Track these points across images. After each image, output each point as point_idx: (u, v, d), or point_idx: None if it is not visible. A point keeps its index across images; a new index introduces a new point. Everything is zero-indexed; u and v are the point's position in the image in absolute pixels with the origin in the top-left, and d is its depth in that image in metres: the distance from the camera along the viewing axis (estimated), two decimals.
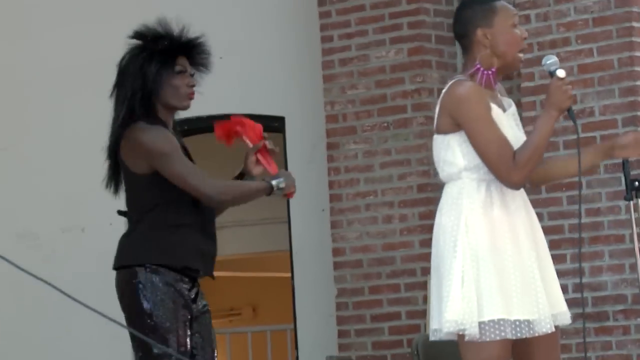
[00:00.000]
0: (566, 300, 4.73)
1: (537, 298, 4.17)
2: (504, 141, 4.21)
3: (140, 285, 4.48)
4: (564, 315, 4.17)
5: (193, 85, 4.83)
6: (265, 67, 8.07)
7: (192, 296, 4.59)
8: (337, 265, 7.47)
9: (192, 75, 4.86)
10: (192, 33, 4.67)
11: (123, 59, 4.75)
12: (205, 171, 4.41)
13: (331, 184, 7.54)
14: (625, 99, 7.07)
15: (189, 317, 4.55)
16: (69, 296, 3.96)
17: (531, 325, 4.06)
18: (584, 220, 7.05)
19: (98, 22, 8.92)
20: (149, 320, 4.42)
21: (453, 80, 4.26)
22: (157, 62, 4.74)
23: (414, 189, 7.19)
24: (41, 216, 7.78)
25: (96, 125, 7.58)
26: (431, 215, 7.43)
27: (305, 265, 7.93)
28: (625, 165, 4.34)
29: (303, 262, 7.92)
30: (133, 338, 4.85)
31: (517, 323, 4.05)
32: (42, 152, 8.27)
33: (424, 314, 7.06)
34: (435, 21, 7.41)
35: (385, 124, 7.39)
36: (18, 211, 7.55)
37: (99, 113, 7.28)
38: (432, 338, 4.23)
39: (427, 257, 6.85)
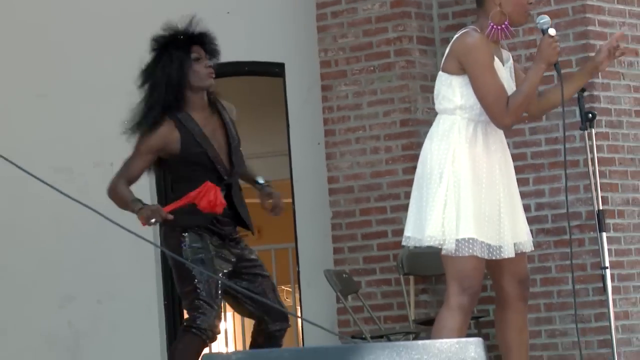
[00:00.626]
0: (529, 217, 5.36)
1: (500, 228, 4.81)
2: (501, 89, 4.76)
3: None
4: (526, 243, 4.93)
5: (210, 67, 5.71)
6: (267, 21, 8.45)
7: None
8: (331, 192, 7.95)
9: (208, 59, 5.75)
10: (198, 24, 5.70)
11: (147, 64, 5.75)
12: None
13: (325, 121, 7.98)
14: (578, 42, 7.56)
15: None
16: (105, 217, 4.09)
17: (495, 250, 4.77)
18: (543, 148, 7.66)
19: None
20: None
21: (465, 30, 4.88)
22: (177, 57, 5.65)
23: (397, 124, 7.60)
24: (76, 153, 8.18)
25: (123, 72, 7.96)
26: (412, 146, 7.59)
27: (304, 191, 8.38)
28: (580, 100, 5.09)
29: (302, 189, 8.39)
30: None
31: (486, 245, 4.75)
32: (76, 97, 8.57)
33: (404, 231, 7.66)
34: None
35: (372, 68, 7.80)
36: (56, 149, 7.93)
37: (127, 62, 7.75)
38: (404, 243, 4.96)
39: (409, 182, 6.73)
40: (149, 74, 5.95)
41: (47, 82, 8.77)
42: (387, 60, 7.65)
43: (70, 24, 8.94)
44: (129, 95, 7.27)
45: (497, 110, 4.81)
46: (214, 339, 5.82)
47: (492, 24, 4.72)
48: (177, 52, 5.77)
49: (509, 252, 4.80)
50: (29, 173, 4.01)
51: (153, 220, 5.61)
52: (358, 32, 7.90)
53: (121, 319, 8.59)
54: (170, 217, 5.69)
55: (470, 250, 4.74)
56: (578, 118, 5.20)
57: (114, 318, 8.65)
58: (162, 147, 5.82)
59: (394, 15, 7.71)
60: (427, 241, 4.79)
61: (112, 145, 7.60)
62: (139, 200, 5.72)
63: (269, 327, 5.89)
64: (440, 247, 4.78)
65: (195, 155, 5.80)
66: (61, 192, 4.08)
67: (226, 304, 6.19)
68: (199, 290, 5.71)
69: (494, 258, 4.82)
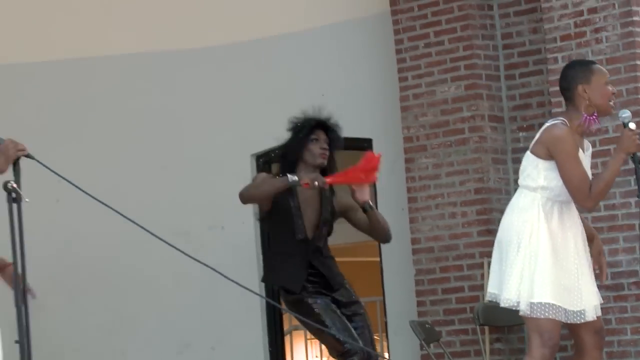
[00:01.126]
0: None
1: (581, 294, 5.06)
2: (584, 175, 5.04)
3: None
4: (599, 305, 5.17)
5: (325, 149, 6.30)
6: (356, 102, 8.90)
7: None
8: (414, 251, 8.27)
9: (326, 142, 6.36)
10: (325, 113, 6.43)
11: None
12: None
13: (409, 189, 8.38)
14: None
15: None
16: (218, 272, 4.94)
17: (577, 315, 5.01)
18: (602, 213, 7.79)
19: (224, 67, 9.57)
20: None
21: (554, 122, 5.18)
22: (301, 135, 6.31)
23: (471, 192, 7.94)
24: (192, 218, 8.63)
25: (231, 149, 8.81)
26: (485, 212, 7.98)
27: (390, 251, 8.59)
28: (637, 171, 5.27)
29: (388, 249, 8.45)
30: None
31: (563, 310, 4.98)
32: (192, 169, 9.17)
33: (481, 287, 7.67)
34: (485, 63, 8.09)
35: (449, 143, 8.18)
36: (175, 214, 8.40)
37: (234, 140, 8.61)
38: (487, 299, 5.42)
39: (483, 243, 7.84)
40: (282, 147, 6.63)
41: (169, 156, 9.30)
42: (462, 136, 8.01)
43: (188, 109, 9.51)
44: (237, 168, 7.96)
45: (581, 194, 5.08)
46: None
47: (585, 116, 5.07)
48: (302, 132, 6.37)
49: (591, 316, 5.07)
50: (153, 234, 4.71)
51: (316, 183, 6.07)
52: (436, 112, 8.27)
53: None
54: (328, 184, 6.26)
55: (546, 314, 4.98)
56: (634, 186, 5.62)
57: None
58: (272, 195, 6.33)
59: (467, 96, 8.09)
60: (504, 303, 5.05)
61: (224, 211, 8.45)
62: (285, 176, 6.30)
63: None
64: (515, 309, 5.05)
65: (282, 212, 6.35)
66: (180, 251, 4.84)
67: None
68: (339, 338, 6.13)
69: (576, 322, 5.08)
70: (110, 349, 9.07)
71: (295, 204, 6.30)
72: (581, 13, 7.63)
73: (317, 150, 6.29)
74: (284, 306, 6.64)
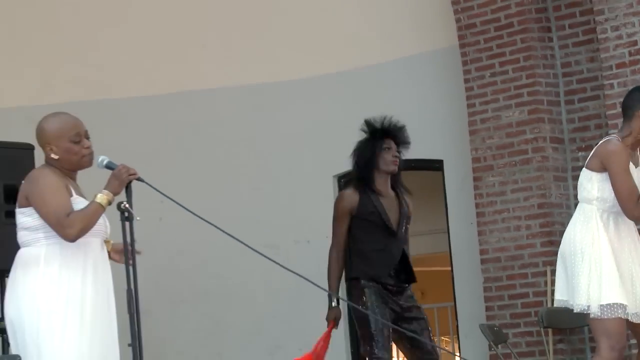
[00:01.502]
0: None
1: (635, 298, 5.27)
2: (634, 188, 5.26)
3: None
4: None
5: (396, 156, 6.56)
6: (429, 126, 9.12)
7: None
8: (483, 261, 8.58)
9: (396, 150, 6.60)
10: (395, 122, 6.68)
11: (356, 148, 6.70)
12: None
13: (477, 205, 8.68)
14: None
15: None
16: (305, 279, 5.05)
17: (633, 316, 5.20)
18: None
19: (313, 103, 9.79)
20: None
21: (608, 138, 5.46)
22: (372, 145, 6.59)
23: (535, 207, 8.18)
24: (280, 232, 8.90)
25: (313, 170, 9.13)
26: (547, 225, 8.13)
27: (461, 261, 9.10)
28: None
29: (459, 259, 9.11)
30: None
31: (630, 313, 5.19)
32: (280, 189, 9.53)
33: (545, 293, 8.00)
34: (546, 90, 8.33)
35: (514, 163, 8.44)
36: (266, 230, 8.63)
37: (316, 163, 8.99)
38: (556, 305, 5.67)
39: (546, 253, 8.01)
40: (354, 154, 6.78)
41: (260, 179, 9.69)
42: (525, 156, 8.24)
43: (277, 136, 9.79)
44: (321, 188, 8.24)
45: (629, 204, 5.29)
46: None
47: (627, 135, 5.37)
48: (374, 141, 6.64)
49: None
50: (249, 247, 4.94)
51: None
52: (502, 134, 8.53)
53: None
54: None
55: (615, 313, 5.17)
56: None
57: None
58: (349, 209, 6.59)
59: (530, 120, 8.35)
60: (576, 309, 5.28)
61: (309, 227, 8.85)
62: (333, 293, 6.60)
63: None
64: (587, 312, 5.24)
65: (369, 213, 6.55)
66: (273, 261, 5.03)
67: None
68: (374, 344, 6.41)
69: (633, 321, 5.26)
70: (208, 351, 9.41)
71: (380, 207, 6.57)
72: (635, 43, 7.87)
73: (389, 158, 6.60)
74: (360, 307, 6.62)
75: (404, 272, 6.66)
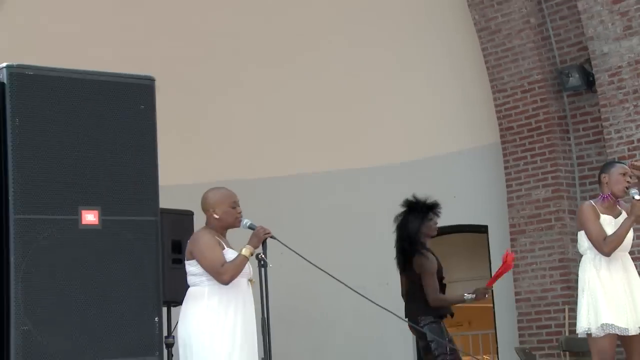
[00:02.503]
0: None
1: (627, 316, 5.29)
2: (600, 234, 5.37)
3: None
4: None
5: (437, 225, 6.61)
6: (480, 201, 9.24)
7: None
8: (517, 300, 8.68)
9: (435, 223, 6.55)
10: (434, 199, 6.63)
11: (399, 216, 6.58)
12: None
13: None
14: None
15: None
16: (389, 311, 5.38)
17: (623, 331, 5.22)
18: None
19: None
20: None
21: (584, 202, 5.70)
22: (419, 218, 6.53)
23: (556, 261, 8.27)
24: (367, 276, 8.38)
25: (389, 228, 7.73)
26: (566, 274, 8.00)
27: (500, 300, 9.06)
28: None
29: (499, 298, 9.06)
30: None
31: (617, 327, 5.20)
32: (364, 245, 9.24)
33: (563, 325, 8.10)
34: (565, 175, 8.38)
35: (540, 228, 8.49)
36: (356, 275, 7.25)
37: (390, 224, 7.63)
38: (578, 332, 5.58)
39: (564, 296, 8.08)
40: (399, 226, 6.66)
41: (359, 239, 9.40)
42: (550, 224, 8.41)
43: (359, 212, 9.54)
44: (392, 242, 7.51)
45: (597, 244, 5.40)
46: None
47: (602, 195, 5.55)
48: (419, 214, 6.60)
49: (633, 332, 5.25)
50: (347, 285, 5.14)
51: (487, 295, 6.63)
52: (532, 207, 8.70)
53: None
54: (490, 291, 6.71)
55: (607, 331, 5.23)
56: None
57: None
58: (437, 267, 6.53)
59: (553, 197, 8.55)
60: (579, 331, 5.50)
61: (388, 272, 7.91)
62: (462, 295, 6.53)
63: None
64: (587, 332, 5.37)
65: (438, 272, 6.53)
66: (362, 295, 5.32)
67: None
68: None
69: (623, 334, 5.26)
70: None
71: (440, 271, 6.58)
72: (632, 142, 8.07)
73: (433, 226, 6.64)
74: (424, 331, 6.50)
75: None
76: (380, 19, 9.64)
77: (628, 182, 5.49)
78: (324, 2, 9.87)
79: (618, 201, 5.60)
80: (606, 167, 5.70)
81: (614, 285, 5.44)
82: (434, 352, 6.34)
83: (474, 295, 6.44)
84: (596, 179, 5.72)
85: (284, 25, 9.94)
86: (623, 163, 5.97)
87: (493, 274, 6.65)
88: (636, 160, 6.53)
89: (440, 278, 6.57)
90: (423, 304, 6.46)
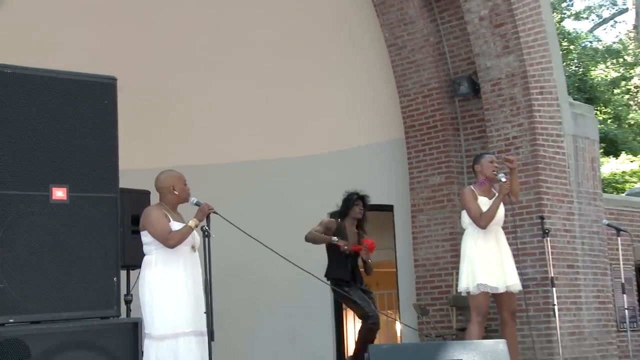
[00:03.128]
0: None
1: (497, 276, 5.43)
2: (477, 211, 5.51)
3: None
4: (515, 286, 5.53)
5: (361, 209, 6.98)
6: (385, 184, 9.14)
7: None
8: (415, 266, 8.72)
9: (361, 209, 6.95)
10: (363, 191, 7.06)
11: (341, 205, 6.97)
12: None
13: (413, 232, 8.79)
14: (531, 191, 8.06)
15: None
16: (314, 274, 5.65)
17: (494, 289, 5.39)
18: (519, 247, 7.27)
19: None
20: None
21: (465, 187, 5.91)
22: (349, 202, 6.99)
23: (447, 234, 8.37)
24: (294, 246, 6.69)
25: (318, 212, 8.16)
26: (455, 245, 7.89)
27: (402, 266, 9.02)
28: (542, 219, 6.34)
29: (401, 265, 9.07)
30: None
31: (489, 287, 5.37)
32: (298, 222, 7.98)
33: (451, 286, 8.13)
34: (456, 165, 8.47)
35: (435, 208, 8.57)
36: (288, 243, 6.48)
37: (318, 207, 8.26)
38: (459, 290, 5.69)
39: (452, 262, 8.00)
40: (341, 207, 7.10)
41: (287, 222, 8.81)
42: (442, 204, 8.45)
43: (289, 196, 9.30)
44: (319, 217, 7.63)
45: (475, 220, 5.54)
46: (378, 328, 6.76)
47: (479, 181, 5.69)
48: (351, 200, 7.06)
49: (502, 290, 5.42)
50: (273, 250, 5.09)
51: (346, 248, 6.69)
52: (429, 191, 8.68)
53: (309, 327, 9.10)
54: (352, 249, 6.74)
55: (482, 290, 5.39)
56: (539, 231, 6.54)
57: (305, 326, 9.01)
58: (327, 228, 6.93)
59: (446, 183, 8.55)
60: (460, 289, 5.62)
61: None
62: (331, 237, 6.77)
63: (368, 322, 6.65)
64: (467, 291, 5.55)
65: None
66: (292, 263, 5.27)
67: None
68: (362, 306, 6.64)
69: (494, 292, 5.42)
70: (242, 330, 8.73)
71: (345, 238, 6.91)
72: (508, 139, 8.26)
73: (357, 210, 7.09)
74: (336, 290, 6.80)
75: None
76: (310, 36, 9.50)
77: (496, 166, 5.63)
78: (263, 21, 9.47)
79: (493, 185, 5.67)
80: (477, 158, 5.79)
81: (488, 253, 5.52)
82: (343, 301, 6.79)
83: (337, 240, 6.71)
84: (494, 164, 5.73)
85: (223, 25, 9.44)
86: (490, 154, 6.12)
87: (357, 246, 6.89)
88: (510, 154, 7.30)
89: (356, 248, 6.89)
90: (331, 266, 6.89)
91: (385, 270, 10.00)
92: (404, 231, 9.20)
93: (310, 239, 6.95)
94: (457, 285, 6.07)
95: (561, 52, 9.08)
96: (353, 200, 7.11)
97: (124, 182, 4.21)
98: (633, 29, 24.34)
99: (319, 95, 9.67)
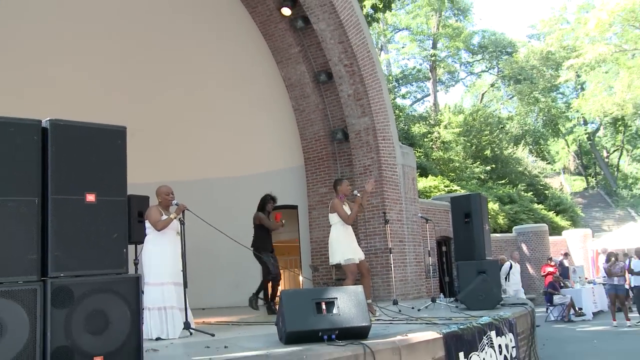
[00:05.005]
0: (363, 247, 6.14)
1: (355, 252, 5.07)
2: (345, 213, 5.12)
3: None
4: (362, 256, 5.20)
5: (272, 205, 6.35)
6: (295, 194, 8.80)
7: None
8: (311, 242, 8.52)
9: (272, 204, 6.39)
10: (273, 193, 6.50)
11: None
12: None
13: (309, 221, 8.47)
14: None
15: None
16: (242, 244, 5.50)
17: (356, 260, 5.10)
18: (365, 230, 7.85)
19: None
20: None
21: (332, 199, 5.22)
22: (265, 202, 6.47)
23: (329, 223, 7.55)
24: (238, 230, 6.24)
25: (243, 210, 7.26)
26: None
27: (303, 242, 8.63)
28: (385, 213, 6.12)
29: (303, 242, 8.70)
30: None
31: (353, 259, 5.07)
32: (228, 215, 7.87)
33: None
34: (334, 179, 9.02)
35: (323, 207, 8.10)
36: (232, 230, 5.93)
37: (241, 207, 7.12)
38: (333, 263, 5.22)
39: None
40: (260, 205, 6.55)
41: (218, 216, 8.38)
42: (326, 205, 7.44)
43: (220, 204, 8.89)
44: (241, 215, 6.85)
45: (344, 219, 5.16)
46: (279, 279, 6.50)
47: (339, 196, 5.26)
48: (266, 199, 6.47)
49: (359, 259, 5.21)
50: (226, 235, 5.15)
51: (283, 221, 6.28)
52: (319, 197, 8.37)
53: None
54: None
55: (349, 262, 5.13)
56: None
57: None
58: (259, 220, 6.42)
59: (329, 192, 8.14)
60: (332, 262, 5.23)
61: (248, 229, 6.89)
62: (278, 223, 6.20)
63: (268, 277, 6.39)
64: (342, 263, 5.18)
65: (262, 223, 6.40)
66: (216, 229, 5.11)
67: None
68: (268, 266, 6.36)
69: (356, 262, 5.17)
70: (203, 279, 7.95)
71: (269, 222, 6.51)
72: (366, 168, 7.83)
73: (270, 205, 6.70)
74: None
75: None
76: (247, 105, 8.94)
77: (349, 187, 5.37)
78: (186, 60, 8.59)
79: (346, 200, 5.37)
80: (337, 182, 5.41)
81: (348, 239, 5.20)
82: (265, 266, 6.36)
83: (283, 223, 6.36)
84: (349, 186, 5.41)
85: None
86: (346, 179, 5.89)
87: (275, 223, 6.45)
88: (371, 179, 6.48)
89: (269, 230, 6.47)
90: (257, 241, 6.46)
91: (292, 245, 9.71)
92: (304, 221, 8.93)
93: (262, 222, 6.50)
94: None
95: (394, 116, 9.35)
96: (267, 199, 6.77)
97: (132, 191, 4.00)
98: (432, 104, 26.23)
99: (253, 139, 9.21)
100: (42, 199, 2.72)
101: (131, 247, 5.63)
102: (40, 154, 2.74)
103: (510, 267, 9.76)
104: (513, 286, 9.68)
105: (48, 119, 2.81)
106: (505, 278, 9.63)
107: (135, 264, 6.00)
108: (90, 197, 2.84)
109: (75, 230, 2.77)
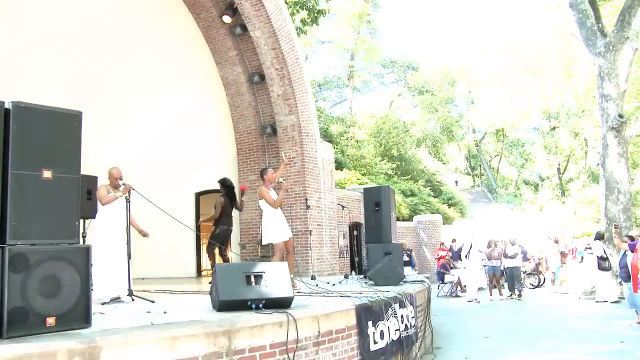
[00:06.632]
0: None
1: (285, 232, 4.83)
2: (272, 199, 4.91)
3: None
4: (291, 235, 4.87)
5: (235, 200, 6.14)
6: (230, 176, 7.30)
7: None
8: (241, 224, 8.35)
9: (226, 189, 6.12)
10: (222, 178, 6.18)
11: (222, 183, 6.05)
12: None
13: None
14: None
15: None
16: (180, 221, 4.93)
17: (285, 237, 4.84)
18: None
19: None
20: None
21: (260, 186, 4.99)
22: (228, 186, 6.28)
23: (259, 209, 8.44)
24: (182, 210, 6.24)
25: (184, 190, 6.96)
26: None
27: (243, 223, 8.39)
28: (306, 200, 6.18)
29: (243, 222, 8.49)
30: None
31: (283, 238, 4.85)
32: (168, 199, 8.23)
33: (258, 234, 7.59)
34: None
35: (253, 195, 8.00)
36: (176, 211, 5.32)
37: (185, 185, 6.85)
38: (264, 242, 5.01)
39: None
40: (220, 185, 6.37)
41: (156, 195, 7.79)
42: (255, 194, 7.57)
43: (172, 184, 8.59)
44: (187, 200, 7.10)
45: (272, 204, 4.96)
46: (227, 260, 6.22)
47: (265, 184, 5.05)
48: (227, 186, 6.42)
49: (289, 237, 5.02)
50: (167, 213, 4.69)
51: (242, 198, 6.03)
52: (250, 181, 8.08)
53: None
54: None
55: (280, 240, 4.96)
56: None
57: None
58: (219, 202, 6.15)
59: (257, 179, 7.77)
60: (266, 242, 5.01)
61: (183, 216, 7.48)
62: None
63: (226, 256, 6.29)
64: (272, 242, 5.02)
65: (226, 206, 6.22)
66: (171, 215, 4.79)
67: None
68: (220, 246, 6.23)
69: (286, 240, 4.99)
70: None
71: (227, 203, 6.30)
72: (291, 159, 7.74)
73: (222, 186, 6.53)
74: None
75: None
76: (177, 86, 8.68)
77: (274, 175, 4.99)
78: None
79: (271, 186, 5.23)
80: (263, 171, 5.26)
81: (279, 220, 5.02)
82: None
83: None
84: (273, 174, 5.20)
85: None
86: (270, 169, 5.41)
87: (240, 199, 6.29)
88: (286, 156, 6.74)
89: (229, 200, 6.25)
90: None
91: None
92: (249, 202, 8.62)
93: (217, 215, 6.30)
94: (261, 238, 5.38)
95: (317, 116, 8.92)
96: (228, 184, 6.60)
97: (84, 171, 3.61)
98: (349, 108, 26.63)
99: (194, 132, 8.95)
100: (3, 173, 2.67)
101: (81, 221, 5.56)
102: (3, 132, 2.67)
103: (470, 247, 9.66)
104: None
105: (11, 100, 2.75)
106: (466, 256, 9.70)
107: (84, 237, 5.88)
108: (47, 174, 2.78)
109: (32, 202, 2.73)
